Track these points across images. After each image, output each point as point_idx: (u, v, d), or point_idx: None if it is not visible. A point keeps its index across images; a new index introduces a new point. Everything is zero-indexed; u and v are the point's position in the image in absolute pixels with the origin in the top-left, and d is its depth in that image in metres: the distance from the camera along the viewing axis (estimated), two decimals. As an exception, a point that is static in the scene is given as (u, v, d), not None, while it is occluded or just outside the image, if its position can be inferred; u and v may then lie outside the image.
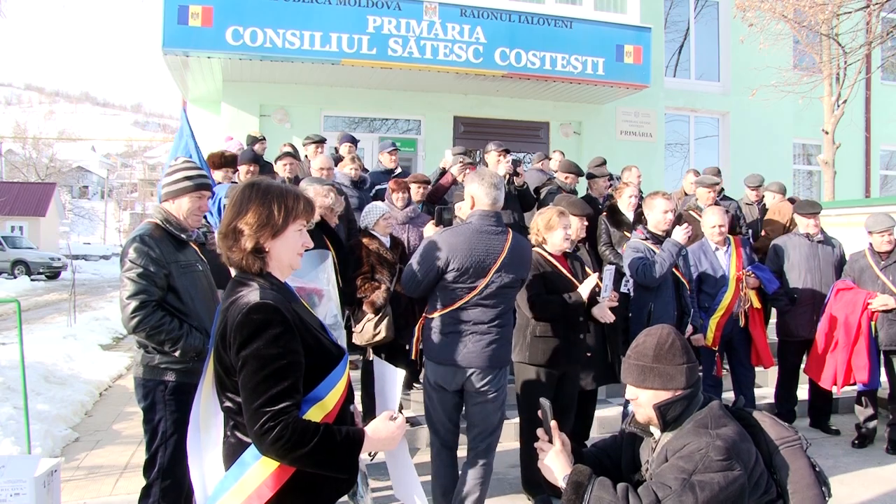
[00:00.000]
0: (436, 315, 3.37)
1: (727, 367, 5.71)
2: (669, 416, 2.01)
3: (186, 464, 2.95)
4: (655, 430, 2.09)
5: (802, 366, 5.65)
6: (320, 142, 7.23)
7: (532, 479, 4.03)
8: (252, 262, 1.80)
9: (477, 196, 3.39)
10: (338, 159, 6.89)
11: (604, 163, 7.36)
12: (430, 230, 3.69)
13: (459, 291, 3.31)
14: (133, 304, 2.83)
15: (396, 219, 5.40)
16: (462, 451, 3.52)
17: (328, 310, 2.23)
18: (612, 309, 4.16)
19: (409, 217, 5.59)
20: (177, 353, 2.89)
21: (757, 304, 5.38)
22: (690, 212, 6.51)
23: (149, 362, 2.94)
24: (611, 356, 4.57)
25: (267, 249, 1.82)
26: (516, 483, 4.30)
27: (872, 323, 5.13)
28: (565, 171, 6.62)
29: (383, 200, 5.62)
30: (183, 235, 3.06)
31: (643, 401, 2.04)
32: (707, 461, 1.84)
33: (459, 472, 3.50)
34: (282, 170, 6.43)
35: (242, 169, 6.18)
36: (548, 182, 6.82)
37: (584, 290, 3.96)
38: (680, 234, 4.53)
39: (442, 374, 3.37)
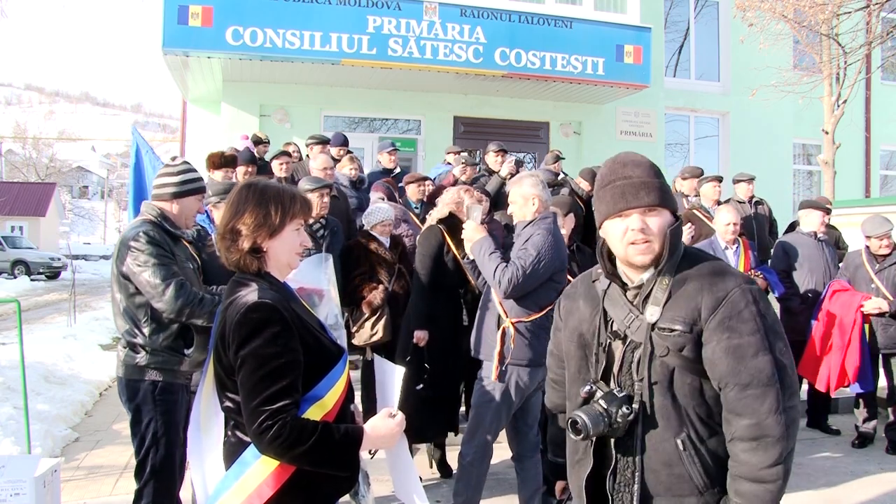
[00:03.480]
0: (533, 318, 3.40)
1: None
2: (677, 243, 1.67)
3: (176, 464, 2.96)
4: (636, 276, 1.71)
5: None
6: (323, 142, 7.27)
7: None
8: (250, 262, 1.81)
9: (542, 198, 3.51)
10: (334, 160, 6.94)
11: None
12: (472, 230, 3.58)
13: (556, 290, 3.40)
14: (172, 285, 2.79)
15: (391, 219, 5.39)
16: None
17: (329, 310, 2.23)
18: None
19: (400, 219, 5.56)
20: None
21: None
22: (695, 211, 6.51)
23: (136, 362, 2.89)
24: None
25: (265, 249, 1.82)
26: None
27: (866, 326, 5.12)
28: (584, 178, 6.66)
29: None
30: (177, 232, 3.06)
31: (655, 228, 1.64)
32: (761, 304, 1.61)
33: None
34: (278, 169, 6.49)
35: (240, 170, 6.22)
36: (560, 182, 6.80)
37: None
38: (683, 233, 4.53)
39: (536, 376, 3.44)
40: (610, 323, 1.72)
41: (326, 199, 4.71)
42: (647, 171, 1.66)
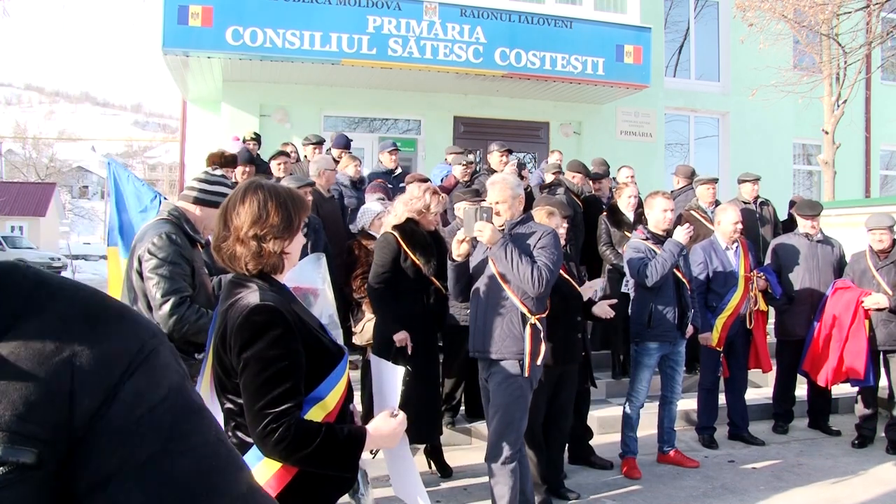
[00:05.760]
0: (543, 316, 3.50)
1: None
2: None
3: None
4: None
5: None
6: (318, 143, 7.31)
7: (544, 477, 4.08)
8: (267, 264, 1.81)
9: (523, 197, 3.64)
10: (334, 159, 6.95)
11: (605, 165, 7.42)
12: (491, 231, 3.40)
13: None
14: (171, 300, 2.74)
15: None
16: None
17: (324, 309, 2.22)
18: (612, 309, 4.25)
19: None
20: None
21: (763, 307, 5.35)
22: (692, 212, 6.51)
23: None
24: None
25: (288, 252, 1.84)
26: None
27: (867, 321, 5.12)
28: (573, 171, 6.67)
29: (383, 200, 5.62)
30: (196, 236, 3.04)
31: None
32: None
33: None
34: (276, 169, 6.51)
35: (238, 170, 6.25)
36: (556, 182, 6.82)
37: (586, 293, 4.21)
38: (681, 234, 4.52)
39: (541, 370, 3.57)
40: None
41: (310, 198, 4.78)
42: None
